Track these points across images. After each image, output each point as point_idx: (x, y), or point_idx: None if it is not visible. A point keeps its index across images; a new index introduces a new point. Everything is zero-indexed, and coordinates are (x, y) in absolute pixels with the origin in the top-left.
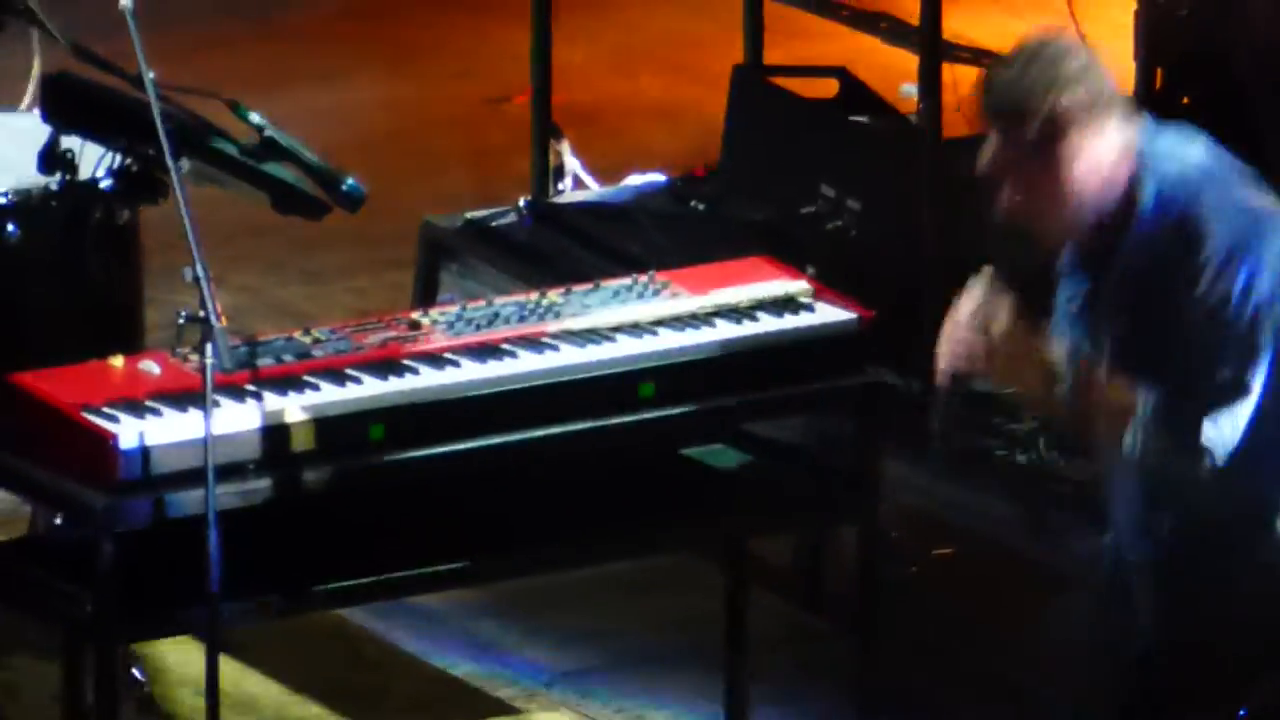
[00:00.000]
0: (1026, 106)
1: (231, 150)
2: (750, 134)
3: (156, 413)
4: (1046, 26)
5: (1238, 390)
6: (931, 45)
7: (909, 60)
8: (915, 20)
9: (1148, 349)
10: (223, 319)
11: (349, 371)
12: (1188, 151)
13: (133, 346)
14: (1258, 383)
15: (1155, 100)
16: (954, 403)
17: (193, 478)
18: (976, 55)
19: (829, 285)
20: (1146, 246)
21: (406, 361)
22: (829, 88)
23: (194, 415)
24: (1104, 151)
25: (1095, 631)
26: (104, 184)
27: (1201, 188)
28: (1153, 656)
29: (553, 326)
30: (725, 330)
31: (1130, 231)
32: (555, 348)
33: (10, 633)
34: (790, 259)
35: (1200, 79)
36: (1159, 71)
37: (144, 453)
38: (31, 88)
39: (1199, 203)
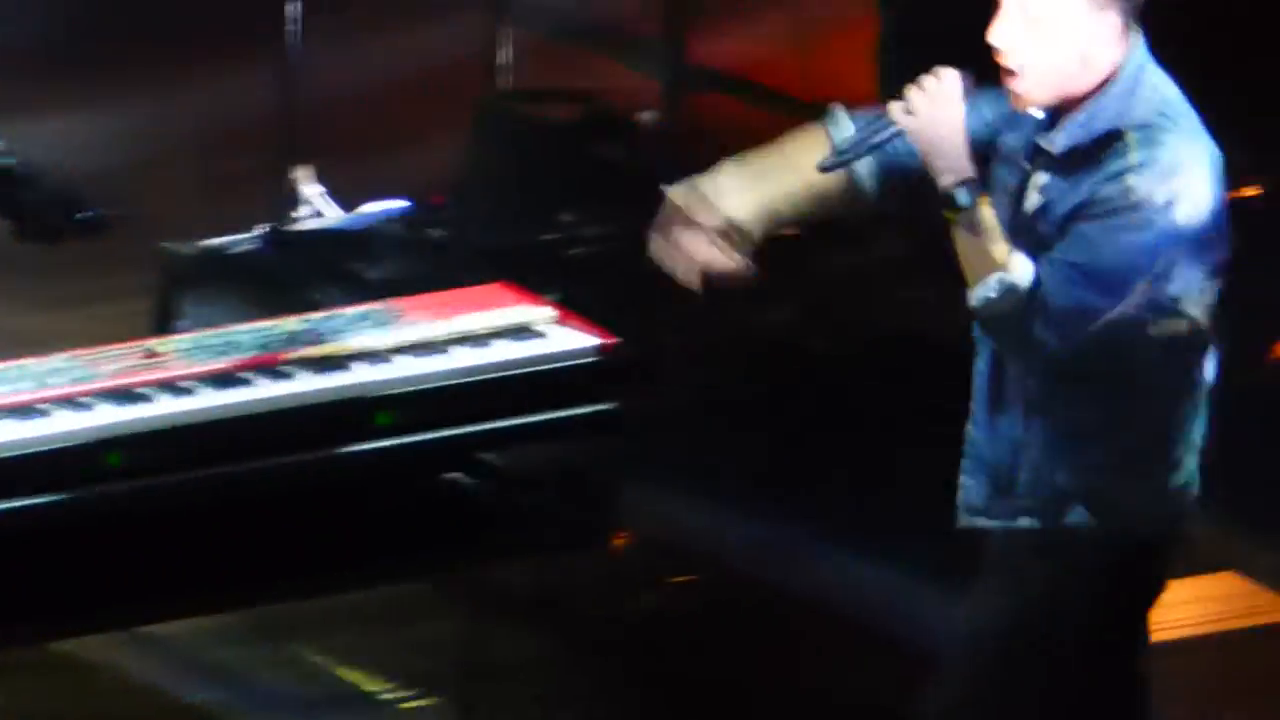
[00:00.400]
0: None
1: None
2: (493, 160)
3: None
4: None
5: None
6: (676, 73)
7: (652, 87)
8: (658, 45)
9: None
10: None
11: (85, 399)
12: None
13: None
14: None
15: None
16: None
17: None
18: (720, 81)
19: (570, 311)
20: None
21: (143, 389)
22: (572, 114)
23: None
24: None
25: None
26: None
27: (1178, 124)
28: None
29: (290, 354)
30: (464, 357)
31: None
32: (292, 375)
33: None
34: (531, 285)
35: None
36: None
37: None
38: None
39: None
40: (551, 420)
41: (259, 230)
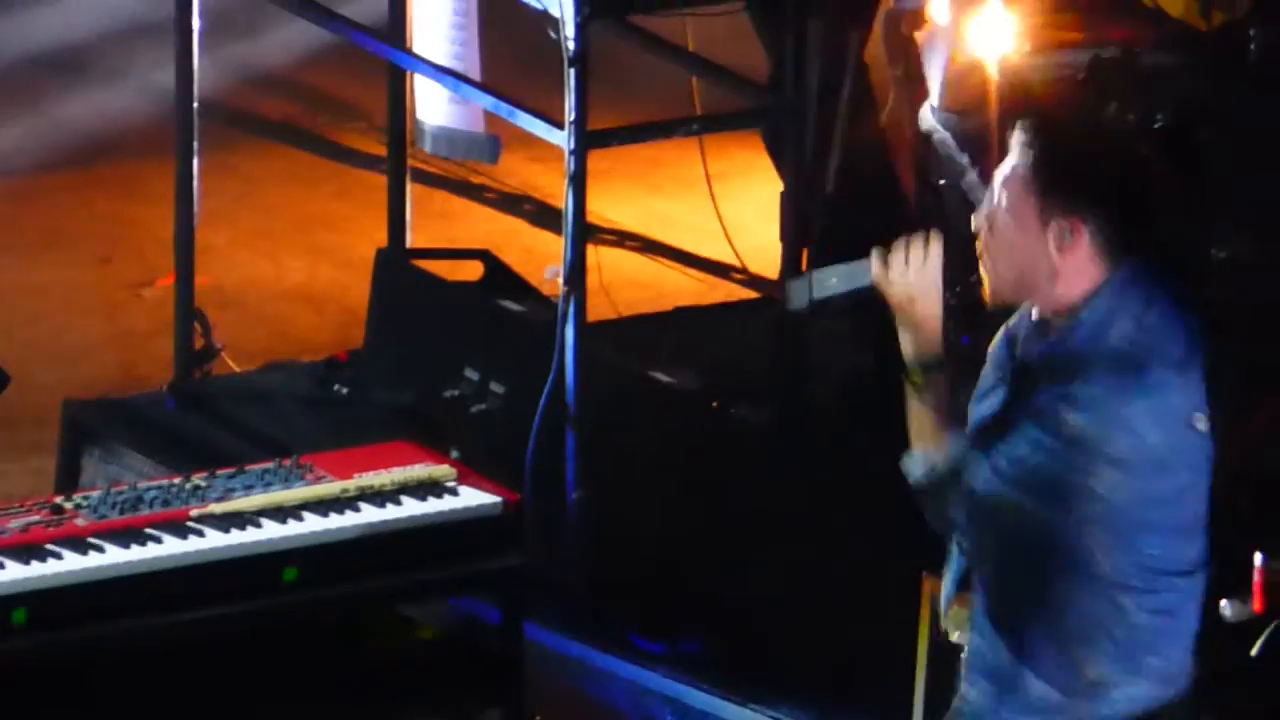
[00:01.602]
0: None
1: None
2: (394, 317)
3: None
4: None
5: None
6: (577, 227)
7: (554, 242)
8: (559, 202)
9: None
10: None
11: None
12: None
13: None
14: None
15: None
16: None
17: None
18: (621, 237)
19: (473, 468)
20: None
21: (49, 546)
22: (474, 270)
23: None
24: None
25: None
26: None
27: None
28: None
29: (196, 510)
30: (369, 514)
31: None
32: (199, 532)
33: None
34: (434, 442)
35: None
36: (804, 251)
37: None
38: None
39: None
40: (458, 575)
41: (164, 386)
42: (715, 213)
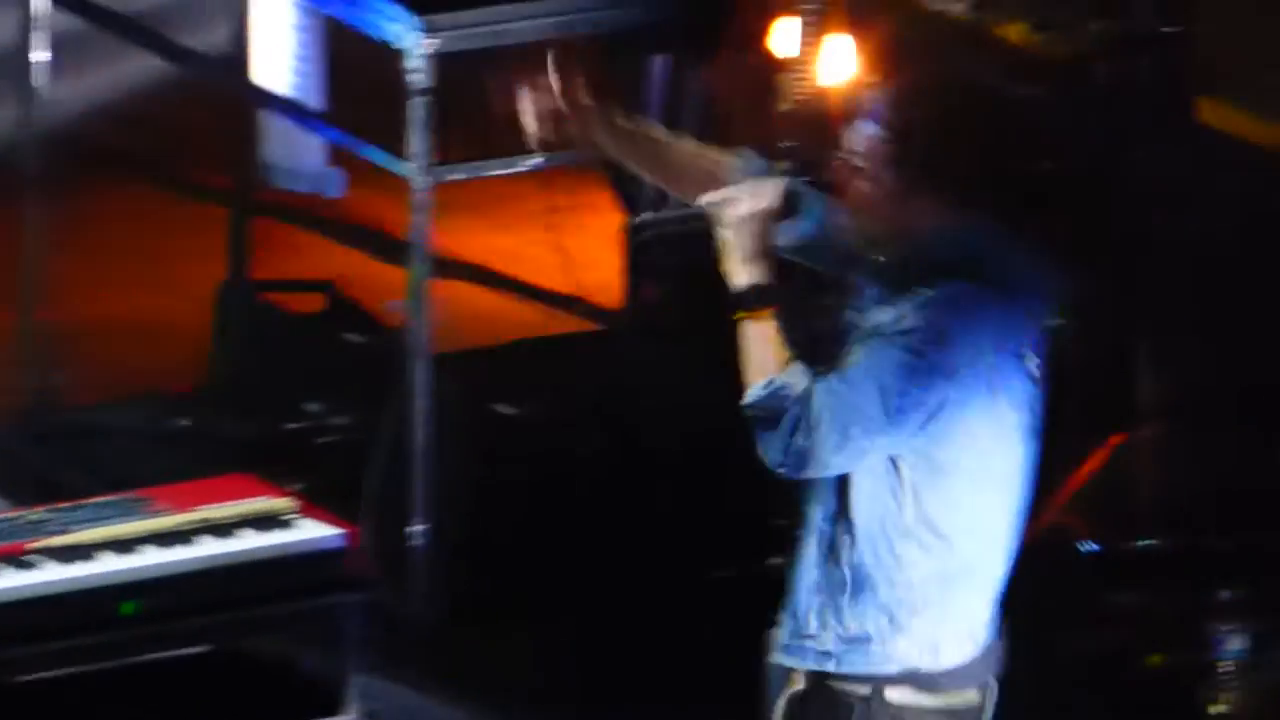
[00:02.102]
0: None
1: None
2: (237, 350)
3: None
4: None
5: None
6: (420, 260)
7: (397, 274)
8: (403, 234)
9: None
10: None
11: None
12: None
13: None
14: None
15: (646, 311)
16: None
17: None
18: (464, 270)
19: (314, 502)
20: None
21: None
22: (317, 303)
23: None
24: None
25: None
26: None
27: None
28: None
29: (35, 544)
30: (209, 547)
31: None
32: (36, 565)
33: None
34: (275, 476)
35: (686, 291)
36: (648, 285)
37: None
38: None
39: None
40: (297, 609)
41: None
42: (557, 246)
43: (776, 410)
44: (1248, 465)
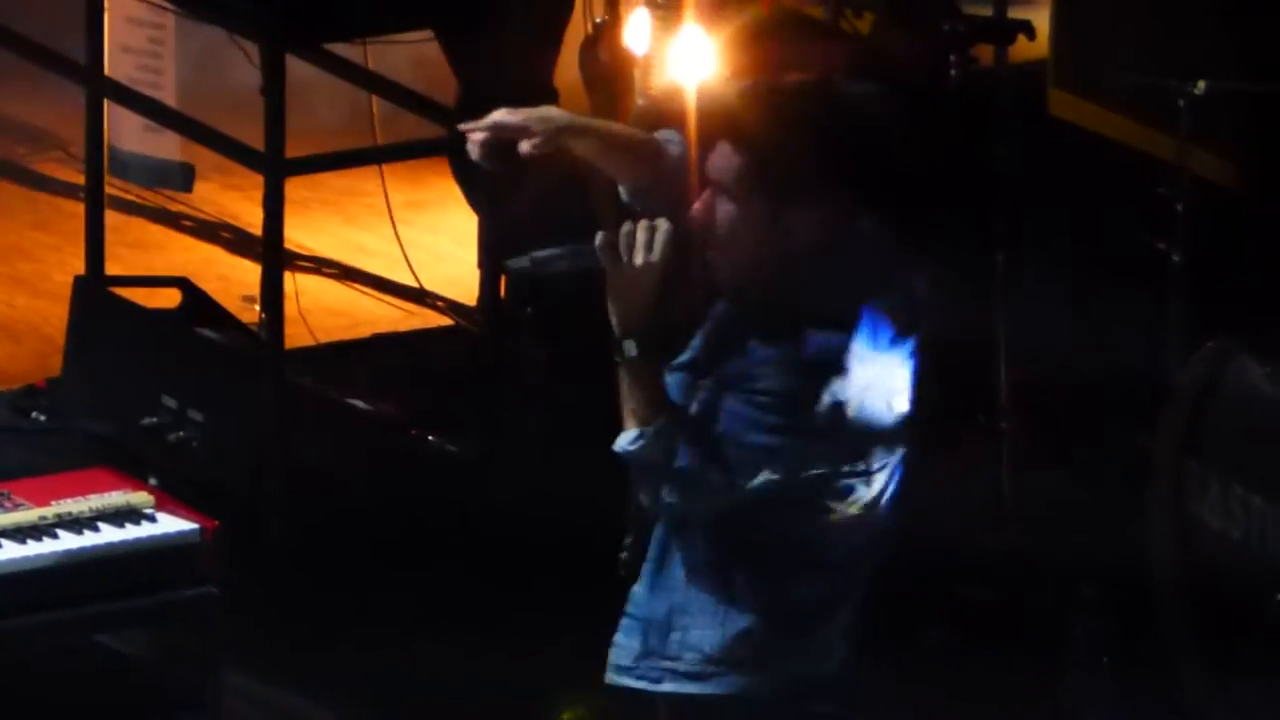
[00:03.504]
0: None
1: None
2: (92, 345)
3: None
4: None
5: None
6: (273, 255)
7: (251, 270)
8: (257, 230)
9: None
10: None
11: None
12: None
13: None
14: None
15: (499, 308)
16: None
17: None
18: (319, 264)
19: (171, 496)
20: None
21: None
22: (172, 298)
23: None
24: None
25: None
26: None
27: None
28: None
29: None
30: (67, 541)
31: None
32: None
33: None
34: (132, 470)
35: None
36: (502, 279)
37: None
38: None
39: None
40: (156, 602)
41: None
42: (396, 239)
43: (645, 462)
44: (1106, 458)
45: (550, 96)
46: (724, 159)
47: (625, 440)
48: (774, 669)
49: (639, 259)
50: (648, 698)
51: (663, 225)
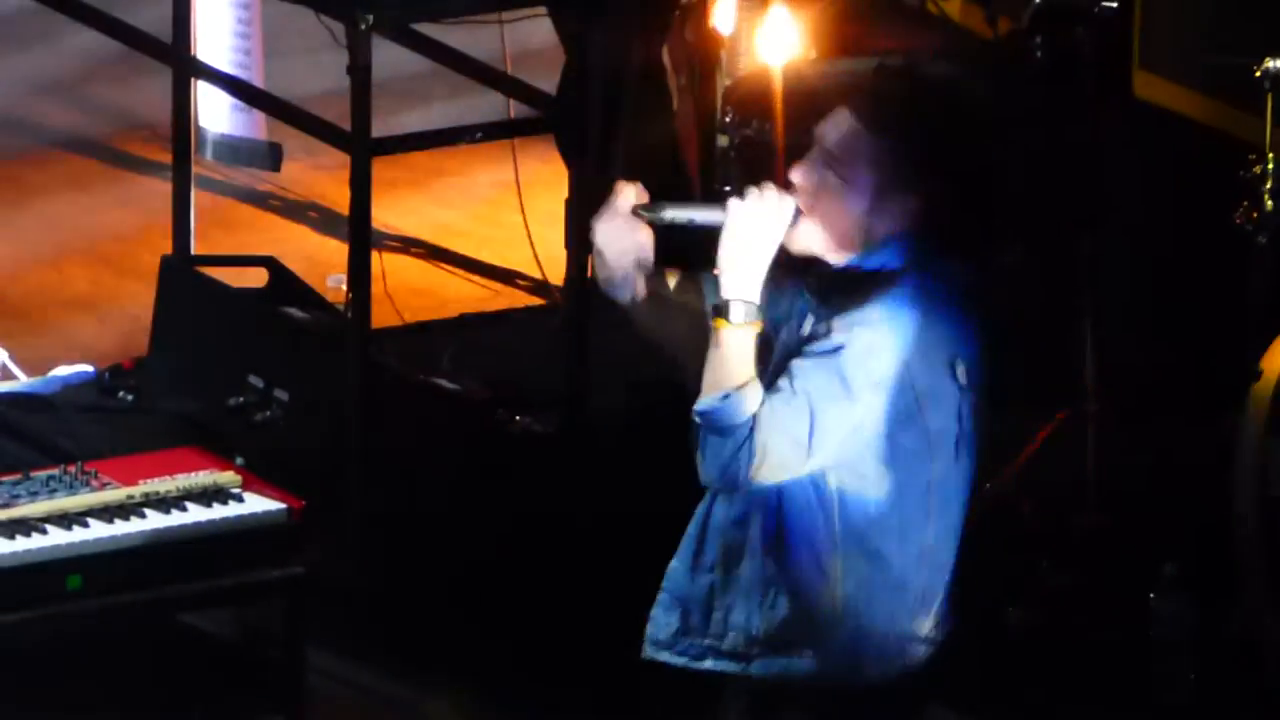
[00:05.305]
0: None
1: None
2: (179, 325)
3: None
4: None
5: None
6: (360, 235)
7: (339, 250)
8: (344, 209)
9: None
10: None
11: None
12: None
13: None
14: None
15: (585, 287)
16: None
17: None
18: (405, 244)
19: (257, 475)
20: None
21: None
22: (259, 277)
23: None
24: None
25: None
26: None
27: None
28: None
29: None
30: (154, 520)
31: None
32: None
33: None
34: (219, 450)
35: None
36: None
37: None
38: None
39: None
40: (242, 582)
41: None
42: (523, 217)
43: (723, 426)
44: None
45: (658, 73)
46: (840, 128)
47: (711, 399)
48: (825, 652)
49: (761, 217)
50: (689, 673)
51: (786, 198)
